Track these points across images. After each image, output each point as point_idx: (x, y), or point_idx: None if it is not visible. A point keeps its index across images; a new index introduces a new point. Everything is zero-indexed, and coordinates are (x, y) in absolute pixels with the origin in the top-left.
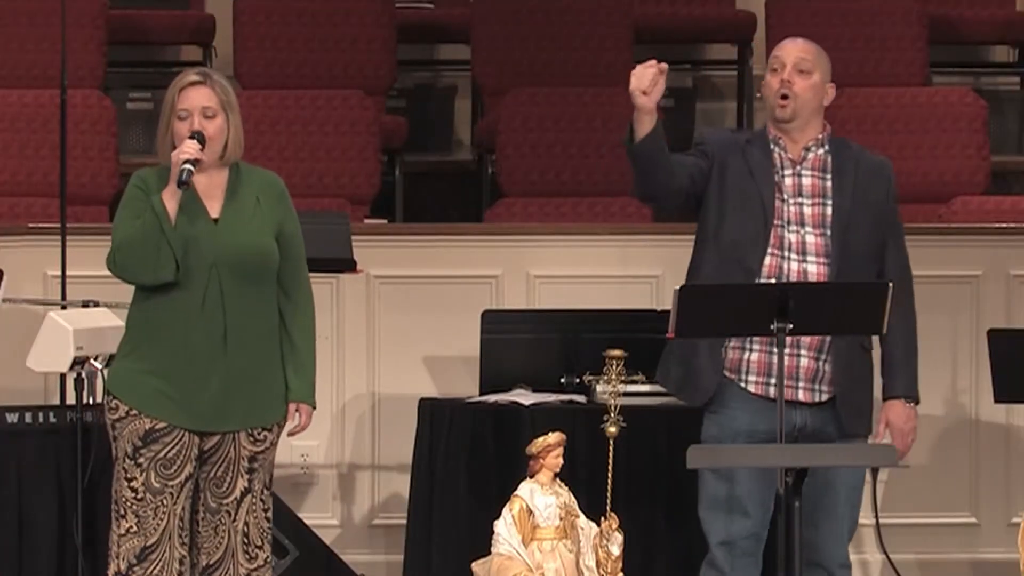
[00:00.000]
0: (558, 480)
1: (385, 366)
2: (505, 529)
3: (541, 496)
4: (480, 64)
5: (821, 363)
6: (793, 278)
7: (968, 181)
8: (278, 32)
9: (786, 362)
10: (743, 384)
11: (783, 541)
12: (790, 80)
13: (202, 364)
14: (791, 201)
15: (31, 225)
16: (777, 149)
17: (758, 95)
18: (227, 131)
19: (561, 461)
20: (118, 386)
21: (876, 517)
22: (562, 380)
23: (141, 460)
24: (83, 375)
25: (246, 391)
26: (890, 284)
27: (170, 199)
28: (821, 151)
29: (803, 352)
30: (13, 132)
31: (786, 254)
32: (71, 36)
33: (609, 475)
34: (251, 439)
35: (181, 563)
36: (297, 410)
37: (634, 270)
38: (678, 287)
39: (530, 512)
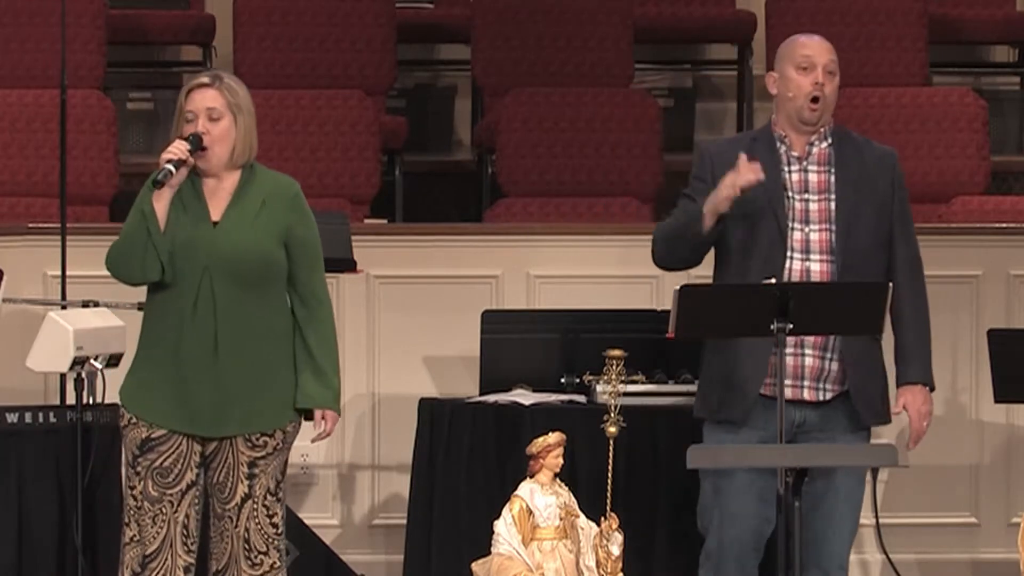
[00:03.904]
0: (558, 480)
1: (385, 366)
2: (505, 529)
3: (541, 496)
4: (480, 64)
5: (827, 362)
6: (796, 276)
7: (968, 181)
8: (278, 32)
9: (790, 361)
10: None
11: (783, 541)
12: (824, 83)
13: (193, 369)
14: (797, 198)
15: (31, 225)
16: (783, 146)
17: (775, 92)
18: (234, 133)
19: (561, 461)
20: (123, 394)
21: (876, 517)
22: (562, 380)
23: (139, 469)
24: (83, 375)
25: (242, 396)
26: (889, 284)
27: (157, 200)
28: (825, 144)
29: (808, 351)
30: (13, 132)
31: (789, 252)
32: (71, 36)
33: (609, 475)
34: (249, 444)
35: (186, 571)
36: (323, 417)
37: (634, 270)
38: (678, 287)
39: (530, 512)
